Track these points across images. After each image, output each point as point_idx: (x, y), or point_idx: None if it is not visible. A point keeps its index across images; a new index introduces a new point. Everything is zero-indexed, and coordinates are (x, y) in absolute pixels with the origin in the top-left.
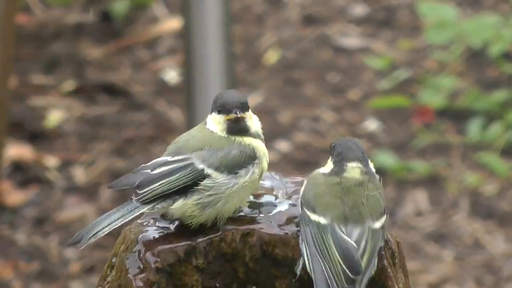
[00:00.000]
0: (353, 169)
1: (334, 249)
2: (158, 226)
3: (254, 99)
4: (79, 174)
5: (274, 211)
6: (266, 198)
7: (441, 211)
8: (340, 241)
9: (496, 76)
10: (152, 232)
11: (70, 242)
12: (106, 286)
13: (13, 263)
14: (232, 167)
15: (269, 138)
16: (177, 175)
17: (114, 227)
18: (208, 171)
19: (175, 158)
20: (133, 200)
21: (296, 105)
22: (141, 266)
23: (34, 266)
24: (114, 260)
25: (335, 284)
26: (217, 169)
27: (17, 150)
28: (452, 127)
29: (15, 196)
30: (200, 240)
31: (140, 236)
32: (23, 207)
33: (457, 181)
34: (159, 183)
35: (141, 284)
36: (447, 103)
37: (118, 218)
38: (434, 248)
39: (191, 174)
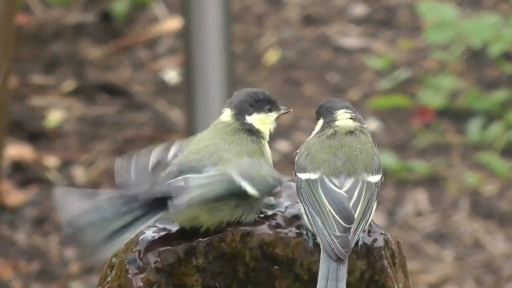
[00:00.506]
0: (344, 114)
1: (325, 200)
2: (158, 227)
3: None
4: (79, 174)
5: (274, 211)
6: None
7: (441, 211)
8: (330, 192)
9: (496, 76)
10: (152, 232)
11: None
12: (106, 286)
13: (13, 263)
14: (260, 183)
15: (269, 138)
16: (216, 189)
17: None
18: (245, 186)
19: (211, 173)
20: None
21: (296, 105)
22: (141, 266)
23: (34, 266)
24: (114, 260)
25: (327, 234)
26: (251, 183)
27: (17, 150)
28: (452, 127)
29: (15, 196)
30: (200, 240)
31: (140, 236)
32: (23, 207)
33: (457, 181)
34: (198, 196)
35: (141, 284)
36: (447, 103)
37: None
38: (434, 248)
39: (229, 189)
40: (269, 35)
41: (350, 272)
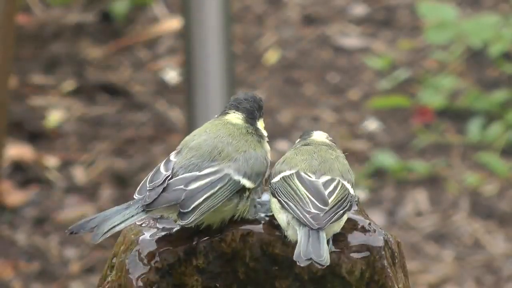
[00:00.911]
0: (320, 135)
1: (302, 187)
2: (158, 227)
3: None
4: (79, 174)
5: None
6: (265, 198)
7: (441, 211)
8: (306, 181)
9: (496, 76)
10: (152, 232)
11: (71, 229)
12: (106, 286)
13: (13, 263)
14: (257, 174)
15: (269, 138)
16: (217, 189)
17: (128, 224)
18: (243, 181)
19: (207, 171)
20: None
21: (296, 105)
22: (141, 266)
23: (34, 266)
24: (114, 260)
25: (300, 210)
26: (249, 178)
27: (17, 150)
28: (452, 127)
29: (15, 196)
30: (200, 240)
31: (140, 236)
32: (23, 207)
33: (457, 181)
34: (203, 201)
35: (141, 284)
36: (447, 103)
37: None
38: (434, 248)
39: (229, 186)
40: (269, 35)
41: (350, 272)
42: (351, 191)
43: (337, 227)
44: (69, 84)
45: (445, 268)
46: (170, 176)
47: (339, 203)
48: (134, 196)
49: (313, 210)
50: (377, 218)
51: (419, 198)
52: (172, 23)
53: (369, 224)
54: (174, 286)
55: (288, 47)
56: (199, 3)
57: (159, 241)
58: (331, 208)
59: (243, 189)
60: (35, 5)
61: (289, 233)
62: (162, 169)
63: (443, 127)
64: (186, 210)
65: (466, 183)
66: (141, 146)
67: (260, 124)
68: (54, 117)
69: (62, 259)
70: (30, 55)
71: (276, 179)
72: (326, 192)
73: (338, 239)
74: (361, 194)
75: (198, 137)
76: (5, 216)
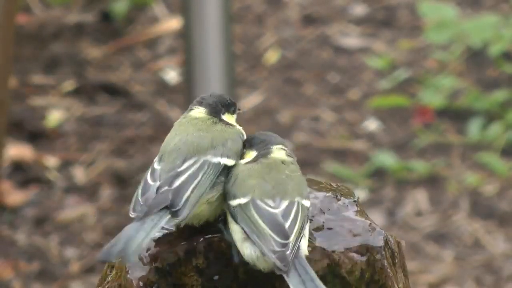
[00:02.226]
0: (279, 150)
1: (259, 219)
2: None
3: (254, 99)
4: (79, 174)
5: None
6: None
7: (441, 211)
8: (264, 212)
9: (496, 76)
10: None
11: (101, 259)
12: (106, 286)
13: (13, 263)
14: (236, 152)
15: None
16: (201, 177)
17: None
18: (223, 160)
19: (186, 165)
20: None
21: (296, 105)
22: (141, 266)
23: (34, 266)
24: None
25: (266, 249)
26: (228, 157)
27: (17, 150)
28: (452, 127)
29: (15, 196)
30: (200, 240)
31: None
32: (23, 207)
33: (457, 181)
34: (191, 192)
35: (141, 284)
36: (447, 103)
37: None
38: (434, 248)
39: (211, 170)
40: (269, 35)
41: (350, 272)
42: (308, 205)
43: (304, 241)
44: (69, 84)
45: (445, 268)
46: (159, 186)
47: (301, 227)
48: (130, 214)
49: (276, 248)
50: (377, 218)
51: (419, 198)
52: (172, 23)
53: (369, 224)
54: (174, 286)
55: (288, 47)
56: (199, 3)
57: (159, 241)
58: (295, 238)
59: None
60: (35, 5)
61: (257, 265)
62: (149, 180)
63: (443, 127)
64: (177, 207)
65: (466, 183)
66: (141, 146)
67: (228, 117)
68: (54, 117)
69: (62, 259)
70: (30, 55)
71: (232, 202)
72: (288, 222)
73: (338, 239)
74: (361, 194)
75: (172, 140)
76: (5, 216)
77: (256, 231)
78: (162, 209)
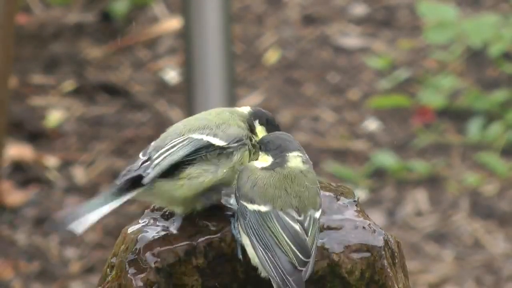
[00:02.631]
0: (295, 158)
1: (283, 233)
2: (158, 226)
3: (254, 99)
4: (79, 174)
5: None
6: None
7: (441, 211)
8: (287, 225)
9: (496, 76)
10: (152, 232)
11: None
12: (106, 286)
13: (13, 263)
14: (229, 135)
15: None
16: (175, 145)
17: (104, 214)
18: (208, 138)
19: (172, 143)
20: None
21: (296, 105)
22: (141, 266)
23: (34, 266)
24: (114, 260)
25: (280, 273)
26: (217, 136)
27: (17, 150)
28: (452, 127)
29: (15, 196)
30: (200, 240)
31: (140, 236)
32: (23, 207)
33: (457, 181)
34: (159, 156)
35: (141, 284)
36: (447, 103)
37: (107, 204)
38: (434, 248)
39: (190, 142)
40: (269, 35)
41: (350, 272)
42: (319, 216)
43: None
44: (69, 84)
45: (445, 268)
46: (146, 159)
47: (314, 244)
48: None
49: (298, 267)
50: (377, 218)
51: (419, 198)
52: (172, 23)
53: (369, 224)
54: (174, 286)
55: (288, 47)
56: (199, 3)
57: (159, 241)
58: (313, 256)
59: (220, 155)
60: (35, 5)
61: (262, 273)
62: (140, 155)
63: (443, 127)
64: (147, 174)
65: (466, 183)
66: (141, 146)
67: (259, 130)
68: (54, 117)
69: (62, 259)
70: (30, 55)
71: (246, 204)
72: (309, 239)
73: (338, 239)
74: (361, 194)
75: (177, 124)
76: (5, 216)
77: (277, 244)
78: (135, 181)
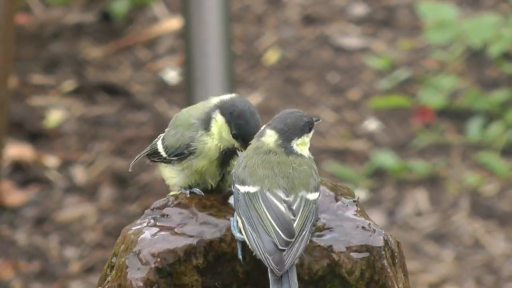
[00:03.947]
0: (270, 137)
1: (267, 212)
2: (158, 226)
3: (254, 99)
4: (79, 174)
5: None
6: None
7: (441, 211)
8: (272, 205)
9: (496, 76)
10: (152, 232)
11: None
12: (106, 286)
13: (13, 263)
14: (170, 147)
15: None
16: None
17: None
18: (159, 144)
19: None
20: None
21: (296, 105)
22: (141, 266)
23: (34, 266)
24: (114, 260)
25: (262, 252)
26: (163, 142)
27: (17, 150)
28: (452, 127)
29: (15, 196)
30: (200, 240)
31: (140, 236)
32: (23, 207)
33: (457, 181)
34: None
35: (141, 284)
36: (447, 103)
37: None
38: (434, 248)
39: (151, 145)
40: (269, 35)
41: (350, 272)
42: (315, 198)
43: (304, 241)
44: (69, 84)
45: (445, 268)
46: None
47: (305, 225)
48: None
49: (279, 246)
50: (377, 218)
51: (419, 198)
52: (172, 23)
53: (369, 224)
54: (174, 286)
55: (288, 47)
56: (199, 3)
57: (159, 241)
58: (296, 238)
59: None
60: (35, 5)
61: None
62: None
63: (443, 127)
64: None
65: (466, 183)
66: (141, 146)
67: (218, 125)
68: (54, 117)
69: (62, 259)
70: (30, 55)
71: (238, 187)
72: (296, 220)
73: (338, 239)
74: (361, 194)
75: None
76: (5, 216)
77: (261, 224)
78: None
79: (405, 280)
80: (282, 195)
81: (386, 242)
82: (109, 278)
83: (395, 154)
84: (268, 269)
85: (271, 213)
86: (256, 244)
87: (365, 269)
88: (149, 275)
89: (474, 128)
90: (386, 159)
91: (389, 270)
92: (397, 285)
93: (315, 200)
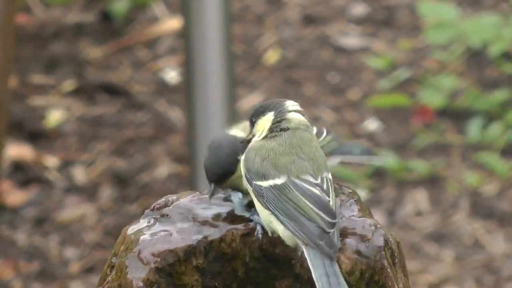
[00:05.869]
0: (295, 114)
1: (305, 200)
2: (158, 226)
3: (254, 99)
4: (79, 174)
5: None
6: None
7: (441, 211)
8: (308, 192)
9: (496, 76)
10: (152, 232)
11: None
12: (106, 286)
13: (13, 263)
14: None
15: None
16: None
17: None
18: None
19: None
20: None
21: None
22: (141, 266)
23: (34, 266)
24: (114, 260)
25: (310, 238)
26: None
27: (17, 150)
28: (452, 127)
29: (15, 196)
30: (200, 240)
31: (140, 236)
32: (23, 207)
33: (457, 181)
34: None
35: (141, 284)
36: (447, 103)
37: None
38: (434, 248)
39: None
40: (269, 35)
41: (350, 272)
42: (331, 177)
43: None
44: (69, 84)
45: (445, 268)
46: None
47: (336, 205)
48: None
49: (326, 229)
50: (377, 218)
51: (419, 198)
52: (172, 23)
53: (369, 224)
54: (174, 286)
55: (288, 47)
56: (199, 3)
57: (159, 241)
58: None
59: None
60: (35, 5)
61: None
62: None
63: (443, 127)
64: None
65: (466, 183)
66: (141, 146)
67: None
68: (54, 117)
69: (62, 259)
70: (30, 55)
71: (260, 183)
72: (330, 201)
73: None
74: (361, 194)
75: None
76: (5, 216)
77: (300, 212)
78: None
79: (405, 280)
80: (311, 179)
81: (386, 242)
82: (109, 278)
83: (395, 154)
84: (311, 257)
85: (309, 199)
86: (299, 234)
87: (365, 269)
88: (149, 275)
89: (474, 128)
90: (386, 159)
91: (389, 270)
92: (397, 285)
93: (331, 179)
